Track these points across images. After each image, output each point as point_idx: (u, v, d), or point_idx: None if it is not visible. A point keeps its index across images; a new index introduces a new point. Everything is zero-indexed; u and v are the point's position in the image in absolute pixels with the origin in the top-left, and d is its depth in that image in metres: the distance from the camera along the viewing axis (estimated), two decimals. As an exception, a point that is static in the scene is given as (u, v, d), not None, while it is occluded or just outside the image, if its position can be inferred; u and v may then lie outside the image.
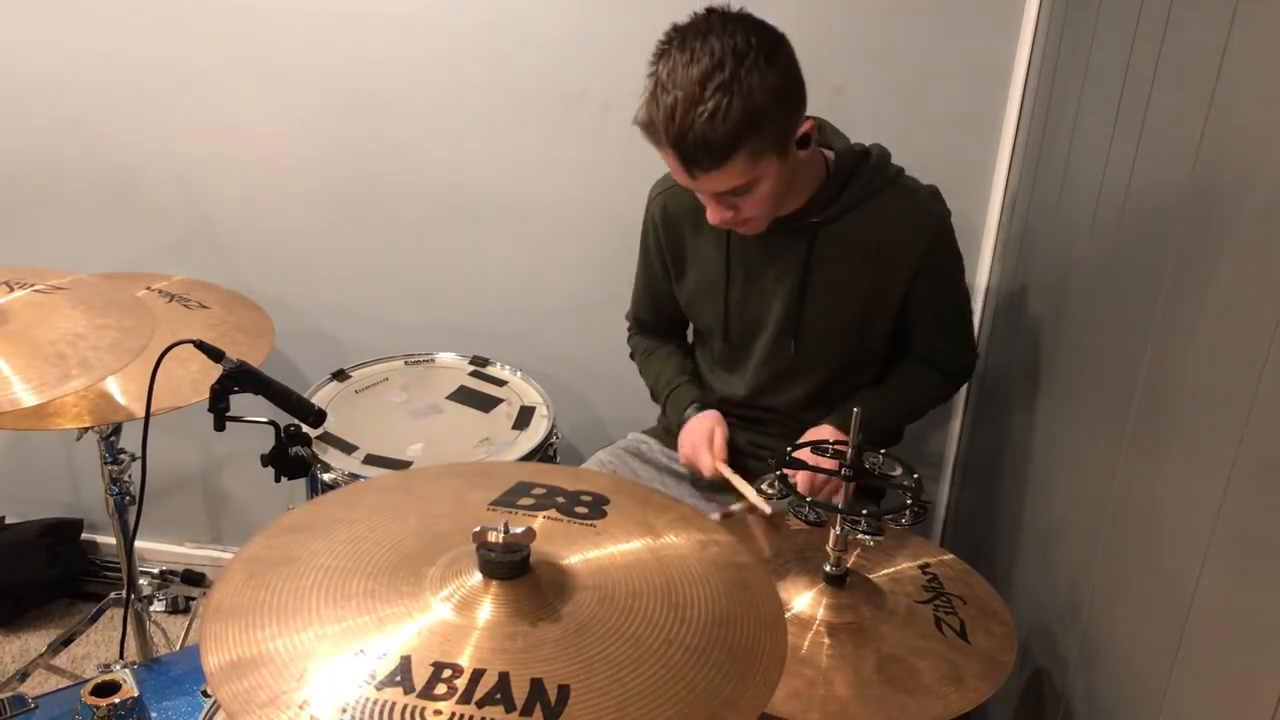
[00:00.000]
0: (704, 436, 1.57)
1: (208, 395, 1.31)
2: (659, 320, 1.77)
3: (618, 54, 1.86)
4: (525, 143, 1.96)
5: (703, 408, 1.63)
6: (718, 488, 1.68)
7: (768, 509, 1.36)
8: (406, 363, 1.96)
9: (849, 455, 1.17)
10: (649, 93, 1.30)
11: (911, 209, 1.48)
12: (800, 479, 1.41)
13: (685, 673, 0.79)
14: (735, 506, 1.40)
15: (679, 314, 1.71)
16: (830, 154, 1.49)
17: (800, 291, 1.51)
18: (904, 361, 1.63)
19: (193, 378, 1.53)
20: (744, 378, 1.63)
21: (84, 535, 2.42)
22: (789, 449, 1.28)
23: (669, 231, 1.61)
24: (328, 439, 1.67)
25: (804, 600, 1.18)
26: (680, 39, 1.28)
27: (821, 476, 1.42)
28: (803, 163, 1.41)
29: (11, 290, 1.39)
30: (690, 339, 1.81)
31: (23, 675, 1.95)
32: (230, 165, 2.06)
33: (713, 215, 1.39)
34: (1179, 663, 0.92)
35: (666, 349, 1.76)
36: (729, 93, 1.24)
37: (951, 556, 1.31)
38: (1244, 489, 0.82)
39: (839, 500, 1.18)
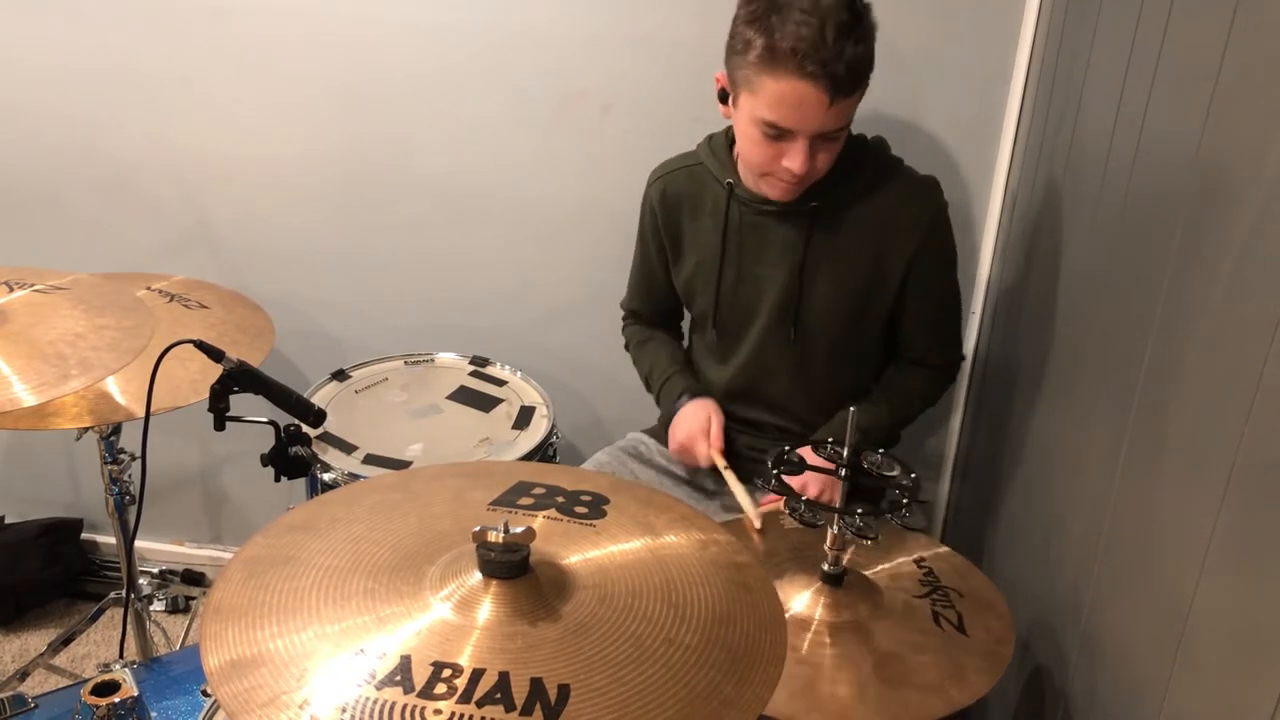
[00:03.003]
0: (701, 425, 1.58)
1: (208, 395, 1.31)
2: (653, 310, 1.77)
3: (619, 53, 1.86)
4: (525, 142, 1.96)
5: (694, 397, 1.63)
6: (717, 489, 1.68)
7: (758, 521, 1.34)
8: (406, 363, 1.96)
9: (846, 455, 1.17)
10: (765, 22, 1.27)
11: (911, 195, 1.50)
12: (796, 485, 1.41)
13: (685, 673, 0.79)
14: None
15: (674, 304, 1.72)
16: None
17: (800, 274, 1.52)
18: (892, 365, 1.64)
19: (193, 378, 1.53)
20: (736, 365, 1.63)
21: (84, 535, 2.42)
22: (785, 448, 1.28)
23: (667, 216, 1.62)
24: (328, 439, 1.67)
25: (801, 600, 1.18)
26: None
27: (817, 487, 1.44)
28: None
29: (11, 290, 1.39)
30: (686, 330, 1.81)
31: (23, 675, 1.96)
32: (231, 165, 2.06)
33: (799, 164, 1.36)
34: (1179, 663, 0.92)
35: (660, 338, 1.77)
36: (867, 23, 1.28)
37: (946, 549, 1.32)
38: (1244, 488, 0.82)
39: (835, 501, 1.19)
